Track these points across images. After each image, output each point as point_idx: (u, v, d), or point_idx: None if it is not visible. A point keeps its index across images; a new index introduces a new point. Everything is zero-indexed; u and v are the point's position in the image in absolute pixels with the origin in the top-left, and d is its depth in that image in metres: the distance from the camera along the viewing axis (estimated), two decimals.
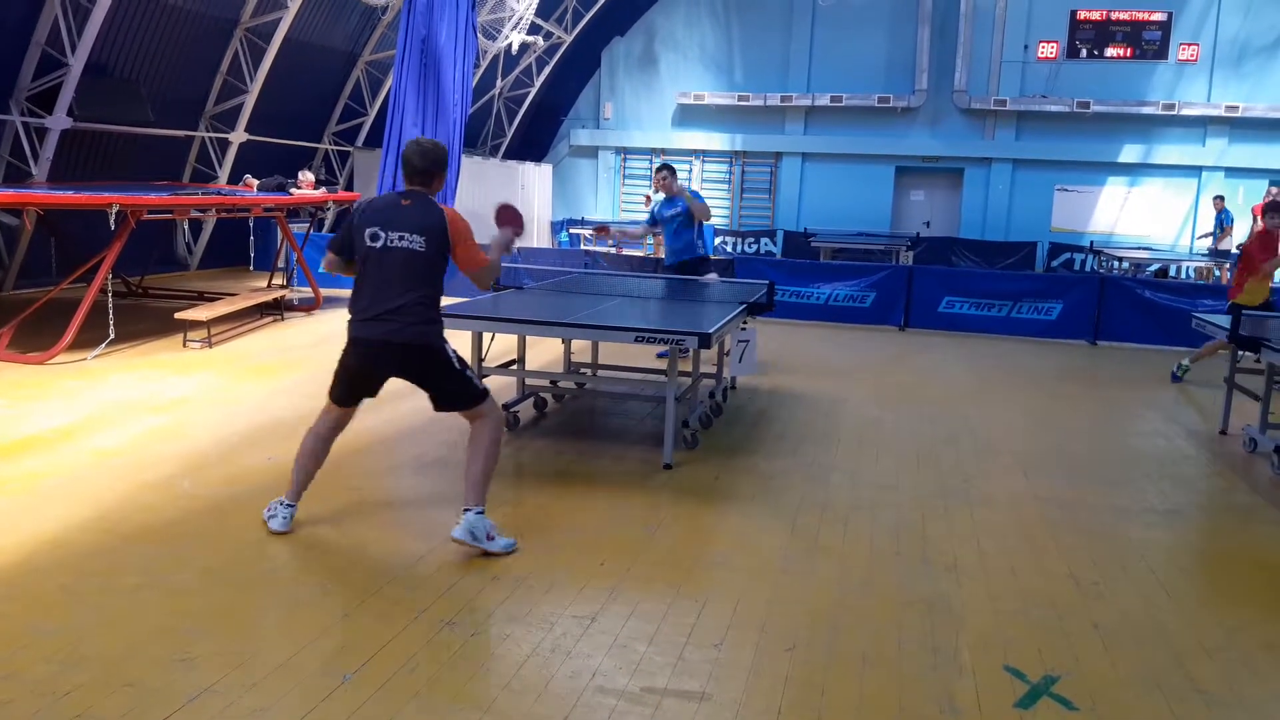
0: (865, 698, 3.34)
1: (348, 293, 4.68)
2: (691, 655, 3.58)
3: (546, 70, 22.33)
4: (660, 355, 8.36)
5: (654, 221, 9.29)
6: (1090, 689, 3.45)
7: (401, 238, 4.50)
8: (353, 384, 4.69)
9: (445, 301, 4.71)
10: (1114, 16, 20.59)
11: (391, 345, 4.49)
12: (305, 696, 3.18)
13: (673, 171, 9.18)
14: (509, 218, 5.15)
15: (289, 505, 4.73)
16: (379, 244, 4.50)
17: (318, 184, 13.37)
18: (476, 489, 4.53)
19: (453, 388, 4.61)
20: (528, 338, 6.85)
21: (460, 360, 4.66)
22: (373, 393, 4.74)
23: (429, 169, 4.62)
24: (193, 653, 3.42)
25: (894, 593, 4.24)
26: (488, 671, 3.41)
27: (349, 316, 4.59)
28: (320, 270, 7.82)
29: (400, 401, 6.83)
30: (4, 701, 3.06)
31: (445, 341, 4.62)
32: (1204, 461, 6.69)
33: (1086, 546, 4.90)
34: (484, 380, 6.05)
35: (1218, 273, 16.49)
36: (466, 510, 4.49)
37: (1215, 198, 18.09)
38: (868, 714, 3.25)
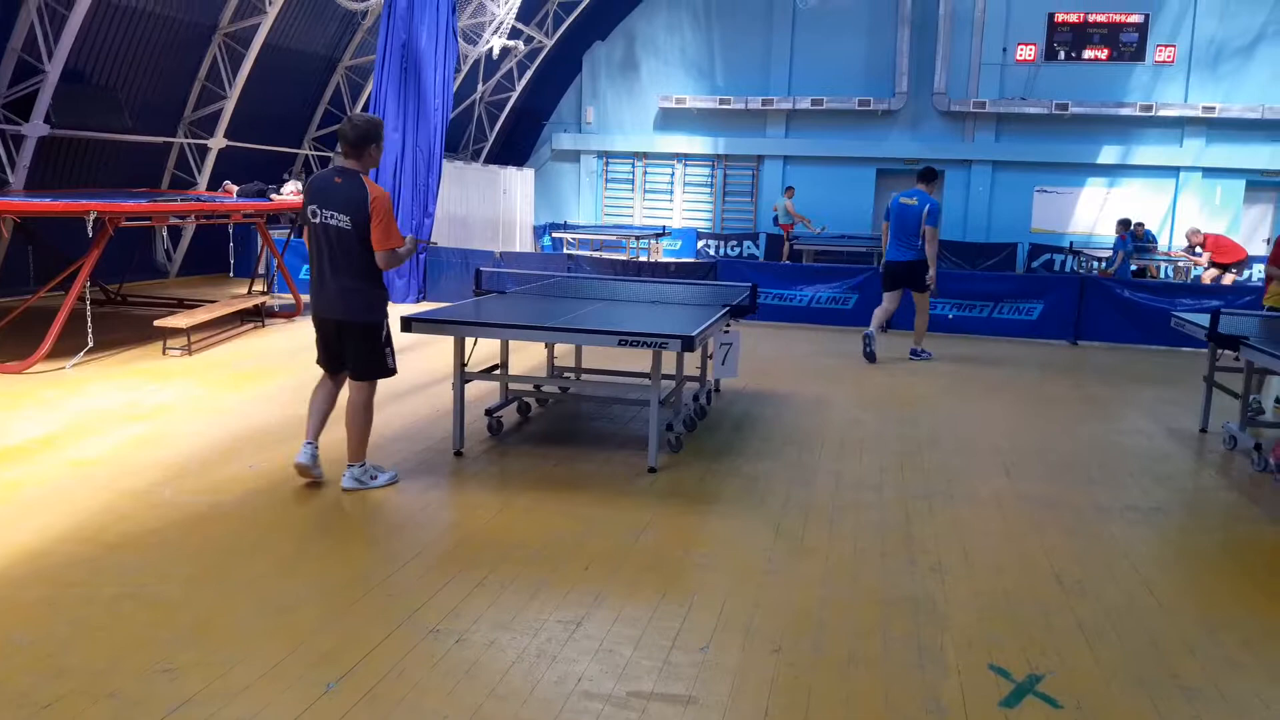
0: (851, 698, 3.35)
1: None
2: (677, 659, 3.57)
3: (528, 75, 22.30)
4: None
5: None
6: (1074, 687, 3.47)
7: (332, 216, 4.98)
8: (327, 351, 5.31)
9: (429, 306, 4.82)
10: (1091, 19, 20.72)
11: (333, 321, 5.15)
12: (289, 705, 3.16)
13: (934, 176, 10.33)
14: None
15: (310, 443, 5.33)
16: (317, 220, 5.01)
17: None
18: (358, 447, 5.27)
19: (370, 359, 5.21)
20: (511, 342, 6.82)
21: (388, 337, 5.25)
22: (345, 361, 5.30)
23: (359, 142, 5.03)
24: (175, 662, 3.39)
25: (879, 593, 4.25)
26: (473, 677, 3.39)
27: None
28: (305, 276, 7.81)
29: (385, 406, 6.81)
30: None
31: (385, 316, 5.21)
32: (1185, 459, 6.74)
33: (1070, 545, 4.92)
34: (466, 385, 6.08)
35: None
36: (350, 465, 5.28)
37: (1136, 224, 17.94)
38: (854, 714, 3.25)
